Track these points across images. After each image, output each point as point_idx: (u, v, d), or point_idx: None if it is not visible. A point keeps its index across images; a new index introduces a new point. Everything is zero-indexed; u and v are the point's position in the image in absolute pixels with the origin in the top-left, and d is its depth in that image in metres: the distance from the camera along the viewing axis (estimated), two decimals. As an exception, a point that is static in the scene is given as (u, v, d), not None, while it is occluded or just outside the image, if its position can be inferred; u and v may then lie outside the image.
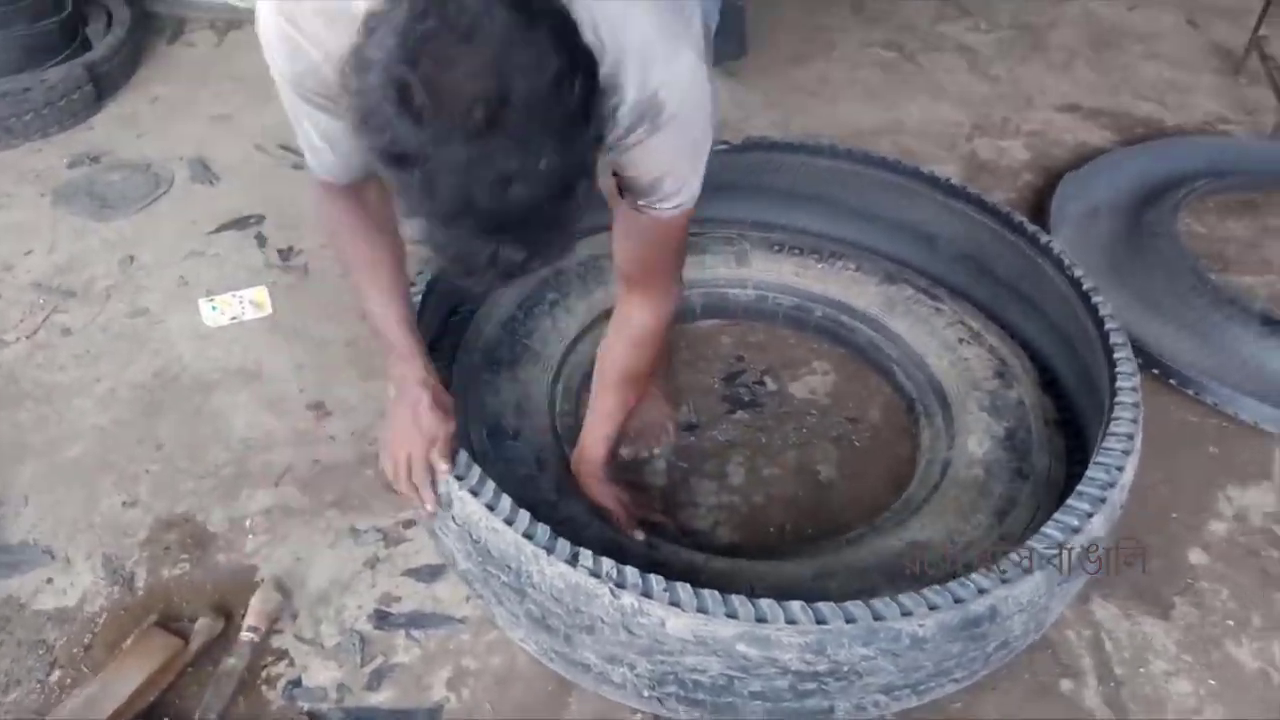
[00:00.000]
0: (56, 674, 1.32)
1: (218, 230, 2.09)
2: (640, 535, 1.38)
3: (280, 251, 2.03)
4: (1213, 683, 1.36)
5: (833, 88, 2.66)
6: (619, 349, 1.38)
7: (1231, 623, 1.43)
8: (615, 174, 1.13)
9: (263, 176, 2.24)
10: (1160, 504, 1.59)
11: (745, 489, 1.60)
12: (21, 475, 1.58)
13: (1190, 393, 1.75)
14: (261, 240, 2.06)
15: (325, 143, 1.10)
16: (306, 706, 1.30)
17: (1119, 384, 1.35)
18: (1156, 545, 1.52)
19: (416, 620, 1.40)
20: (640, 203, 1.15)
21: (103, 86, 2.42)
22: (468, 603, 1.41)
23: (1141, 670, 1.37)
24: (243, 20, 2.74)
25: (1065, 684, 1.35)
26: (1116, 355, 1.39)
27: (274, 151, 2.32)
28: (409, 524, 1.52)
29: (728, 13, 2.58)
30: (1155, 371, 1.77)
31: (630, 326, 1.34)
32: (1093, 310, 1.48)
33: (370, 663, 1.35)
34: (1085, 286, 1.51)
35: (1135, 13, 3.07)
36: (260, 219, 2.11)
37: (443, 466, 1.20)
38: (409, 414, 1.22)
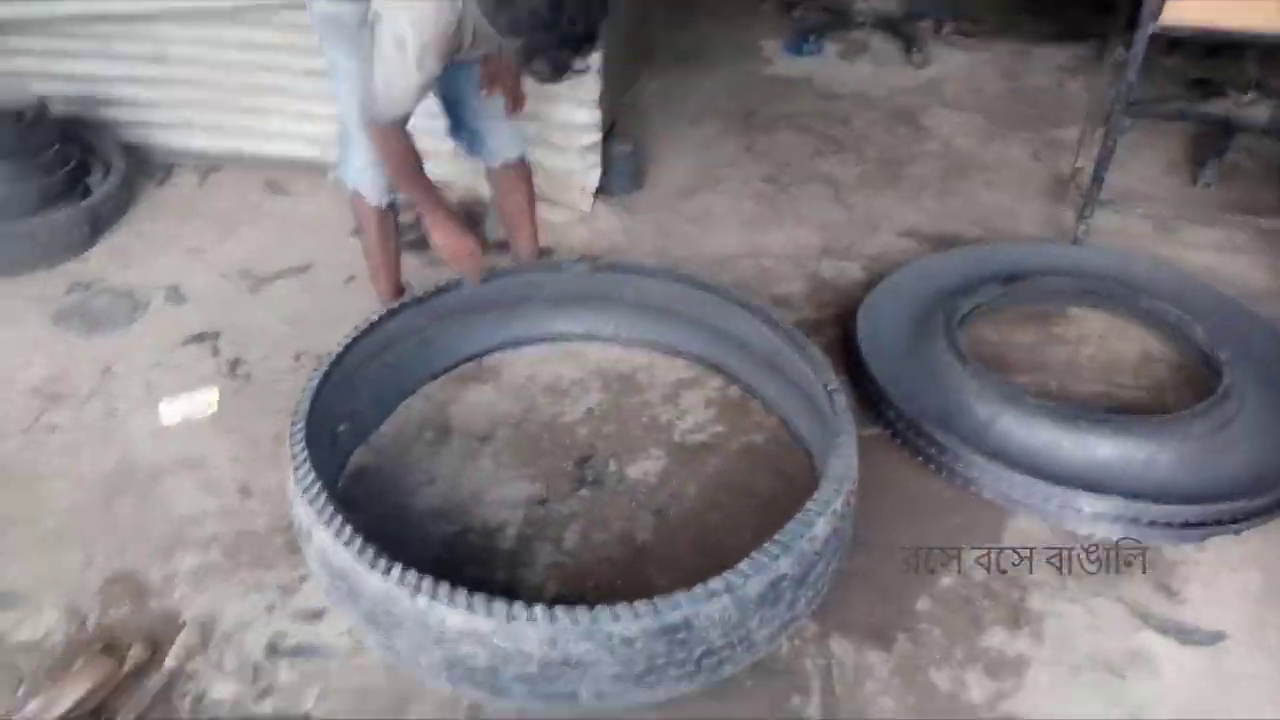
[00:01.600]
0: (23, 688, 1.74)
1: (181, 345, 2.57)
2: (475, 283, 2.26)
3: (230, 362, 2.51)
4: (910, 700, 1.74)
5: (713, 217, 3.15)
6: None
7: (937, 654, 1.82)
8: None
9: (223, 301, 2.73)
10: (904, 560, 1.99)
11: (575, 551, 2.02)
12: (7, 541, 2.02)
13: (943, 475, 2.16)
14: (216, 351, 2.54)
15: (419, 90, 1.94)
16: (210, 715, 1.71)
17: (830, 469, 1.78)
18: (893, 594, 1.92)
19: (298, 651, 1.81)
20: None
21: (98, 225, 2.95)
22: (339, 637, 1.82)
23: (857, 689, 1.76)
24: (221, 165, 3.29)
25: (795, 698, 1.74)
26: (839, 441, 1.83)
27: (235, 279, 2.81)
28: (303, 578, 1.94)
29: (626, 154, 3.12)
30: (920, 459, 2.20)
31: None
32: (833, 402, 1.92)
33: (259, 682, 1.76)
34: (829, 387, 1.95)
35: (988, 147, 3.56)
36: (217, 335, 2.59)
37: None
38: (454, 226, 2.18)
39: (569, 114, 2.86)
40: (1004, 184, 3.33)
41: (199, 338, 2.59)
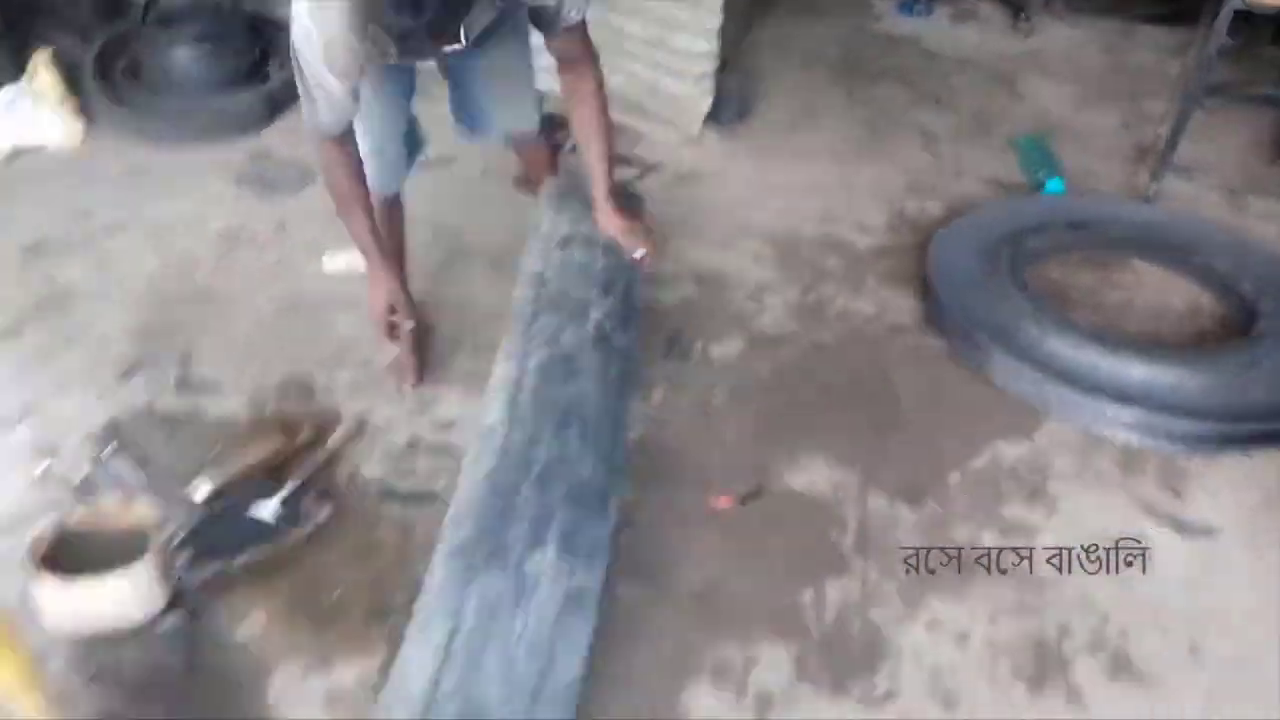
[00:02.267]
0: (217, 449, 2.19)
1: (342, 211, 3.01)
2: (639, 255, 2.20)
3: (382, 228, 2.94)
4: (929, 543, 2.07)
5: (809, 152, 3.44)
6: (588, 107, 2.13)
7: (960, 515, 2.14)
8: (533, 19, 1.99)
9: (377, 178, 3.16)
10: (944, 445, 2.30)
11: (659, 404, 2.39)
12: (207, 344, 2.49)
13: (991, 384, 2.46)
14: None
15: (336, 108, 1.84)
16: (360, 484, 2.14)
17: None
18: (929, 468, 2.24)
19: (432, 449, 2.23)
20: (555, 26, 1.96)
21: (275, 107, 3.40)
22: (465, 442, 2.23)
23: (887, 531, 2.09)
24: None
25: (833, 532, 2.09)
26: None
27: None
28: (438, 397, 2.36)
29: (736, 87, 3.42)
30: (973, 367, 2.49)
31: (586, 90, 2.11)
32: None
33: (401, 466, 2.19)
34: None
35: (1079, 114, 3.76)
36: (372, 206, 3.02)
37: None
38: (383, 300, 2.16)
39: (689, 43, 3.19)
40: (1089, 147, 3.53)
41: (357, 206, 3.02)
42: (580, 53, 2.10)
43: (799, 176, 3.30)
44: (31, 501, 2.05)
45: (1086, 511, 2.16)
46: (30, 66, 3.19)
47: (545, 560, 1.55)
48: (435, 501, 2.10)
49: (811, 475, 2.22)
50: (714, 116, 3.44)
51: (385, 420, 2.30)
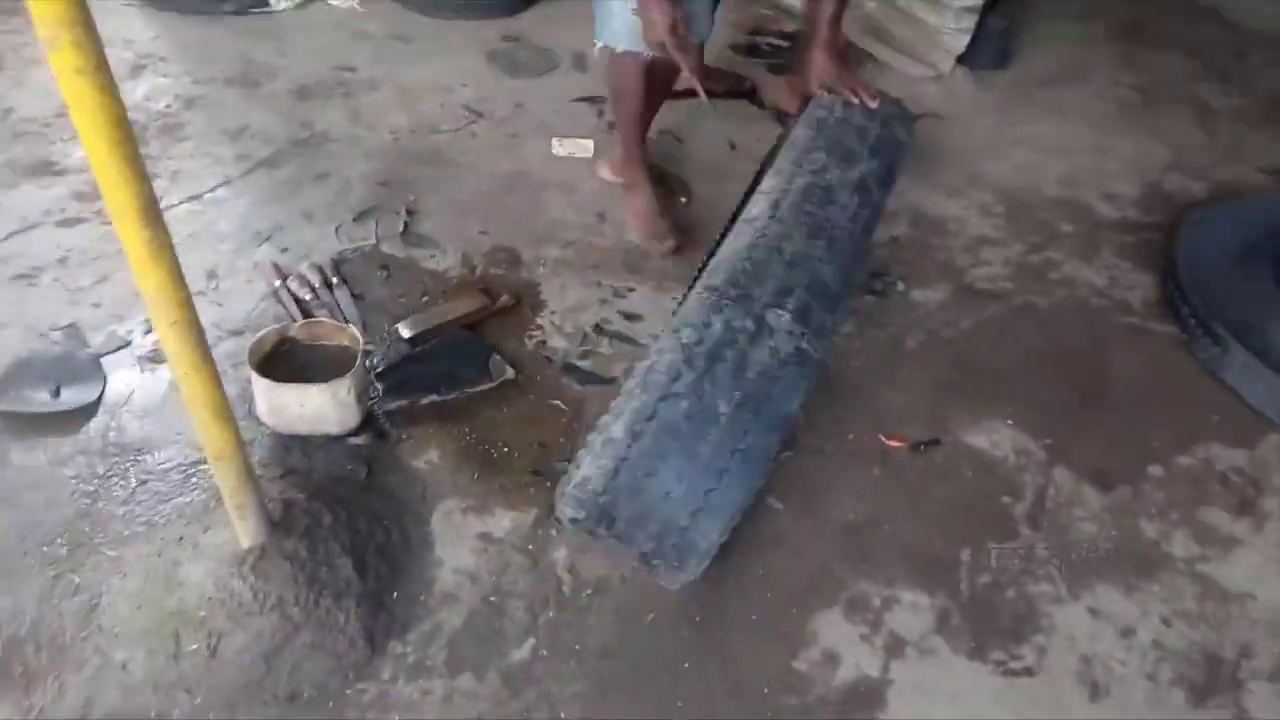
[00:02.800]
0: (425, 297, 2.35)
1: (576, 100, 3.09)
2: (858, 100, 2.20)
3: (608, 123, 2.99)
4: (1113, 533, 1.93)
5: (1065, 111, 3.19)
6: None
7: (1153, 510, 1.98)
8: None
9: (614, 74, 3.22)
10: (1154, 436, 2.12)
11: (848, 335, 2.33)
12: (432, 201, 2.65)
13: (1220, 380, 2.23)
14: (600, 113, 3.03)
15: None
16: (545, 354, 2.24)
17: None
18: (1131, 455, 2.08)
19: (617, 335, 2.29)
20: None
21: (534, -6, 3.52)
22: (647, 336, 2.28)
23: (1065, 510, 1.97)
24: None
25: (1005, 498, 1.98)
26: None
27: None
28: (630, 289, 2.41)
29: (999, 30, 3.22)
30: (1203, 359, 2.27)
31: None
32: None
33: (584, 346, 2.26)
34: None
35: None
36: (604, 100, 3.08)
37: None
38: (666, 18, 2.08)
39: (957, -28, 3.01)
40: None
41: (590, 99, 3.09)
42: None
43: (1049, 134, 3.07)
44: (263, 311, 2.28)
45: (1301, 536, 1.94)
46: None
47: (782, 319, 1.74)
48: (611, 384, 2.17)
49: (995, 437, 2.11)
50: (968, 58, 3.24)
51: (577, 301, 2.38)
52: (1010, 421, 2.14)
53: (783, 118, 2.98)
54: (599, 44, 2.39)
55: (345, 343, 2.04)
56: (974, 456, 2.07)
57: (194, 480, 1.90)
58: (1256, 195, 2.72)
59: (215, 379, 1.37)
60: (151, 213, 1.15)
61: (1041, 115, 3.16)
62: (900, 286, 2.49)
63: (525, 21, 3.47)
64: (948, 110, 3.13)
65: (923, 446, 2.07)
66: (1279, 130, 3.15)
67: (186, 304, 1.26)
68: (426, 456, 1.99)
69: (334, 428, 1.97)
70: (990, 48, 3.28)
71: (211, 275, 2.38)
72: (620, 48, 2.33)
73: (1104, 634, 1.77)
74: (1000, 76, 3.31)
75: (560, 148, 2.87)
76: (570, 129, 2.95)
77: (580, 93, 3.13)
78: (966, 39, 3.15)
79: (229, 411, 1.42)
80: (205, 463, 1.65)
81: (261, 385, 1.92)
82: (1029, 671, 1.71)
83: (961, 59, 3.21)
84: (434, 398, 2.09)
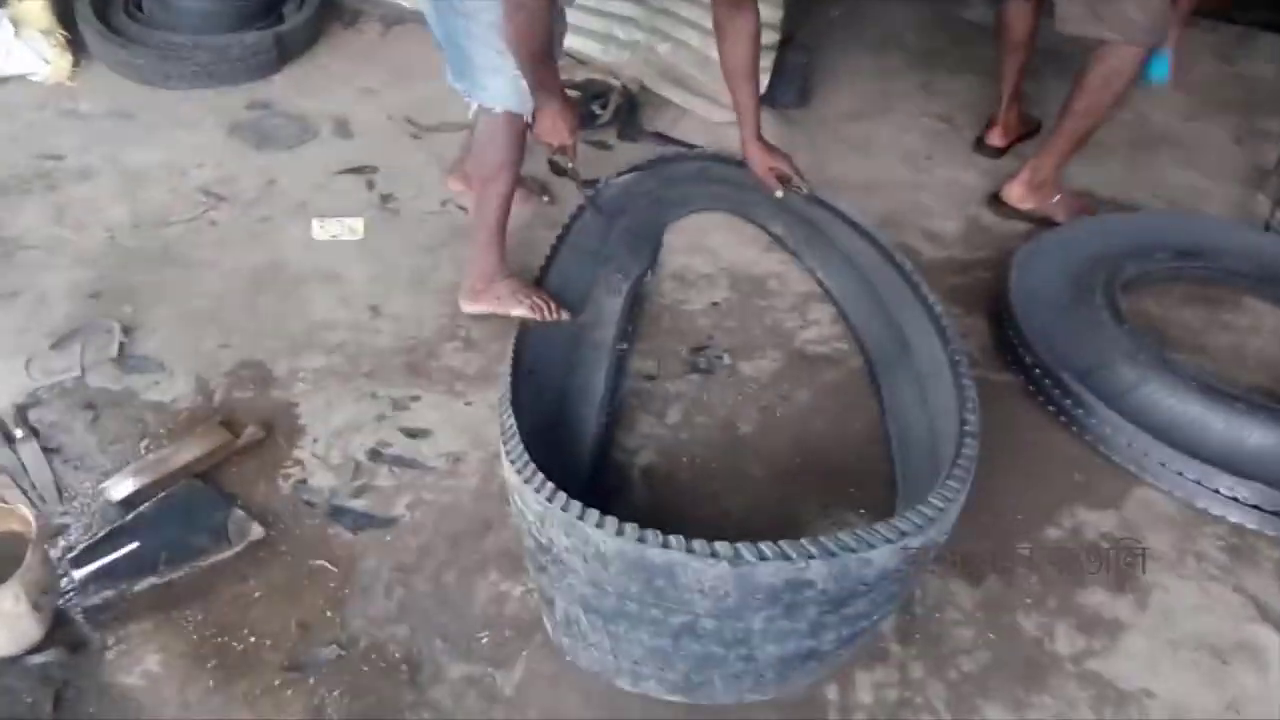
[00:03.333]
0: (146, 441, 1.86)
1: (340, 173, 2.67)
2: (779, 193, 2.39)
3: (383, 196, 2.59)
4: (990, 635, 1.67)
5: (874, 144, 3.03)
6: (742, 48, 2.21)
7: (1029, 600, 1.74)
8: None
9: (385, 140, 2.81)
10: (1015, 506, 1.90)
11: (675, 426, 2.01)
12: (157, 314, 2.16)
13: (1072, 429, 2.05)
14: (370, 185, 2.62)
15: None
16: (305, 497, 1.80)
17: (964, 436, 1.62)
18: (995, 535, 1.84)
19: (398, 461, 1.88)
20: None
21: (285, 53, 3.07)
22: (439, 458, 1.88)
23: (937, 614, 1.70)
24: (405, 19, 3.36)
25: (869, 609, 1.69)
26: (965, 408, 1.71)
27: (400, 123, 2.89)
28: (414, 398, 2.01)
29: (799, 66, 3.03)
30: (1051, 409, 2.09)
31: (744, 33, 2.18)
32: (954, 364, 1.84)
33: (357, 480, 1.84)
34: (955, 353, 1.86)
35: (1186, 125, 3.30)
36: (374, 169, 2.68)
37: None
38: (556, 112, 1.94)
39: (750, 9, 2.79)
40: (1197, 163, 3.08)
41: (357, 169, 2.68)
42: None
43: (861, 172, 2.89)
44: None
45: (1186, 610, 1.74)
46: (16, -11, 2.89)
47: None
48: (393, 528, 1.76)
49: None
50: (770, 97, 3.03)
51: (347, 421, 1.95)
52: (862, 510, 1.86)
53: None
54: (474, 104, 2.07)
55: (14, 527, 1.54)
56: (828, 561, 1.77)
57: None
58: (1076, 223, 2.61)
59: None
60: None
61: (850, 152, 2.99)
62: (726, 360, 2.19)
63: (275, 86, 3.02)
64: (755, 155, 2.90)
65: (770, 558, 1.76)
66: (1081, 152, 3.08)
67: None
68: (142, 667, 1.51)
69: (6, 648, 1.46)
70: (791, 85, 3.09)
71: None
72: (506, 109, 2.01)
73: (1001, 771, 1.49)
74: (804, 113, 3.13)
75: (322, 230, 2.44)
76: (335, 207, 2.53)
77: (345, 162, 2.71)
78: (766, 77, 2.94)
79: None
80: None
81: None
82: (923, 840, 1.41)
83: (763, 98, 3.00)
84: (152, 581, 1.61)
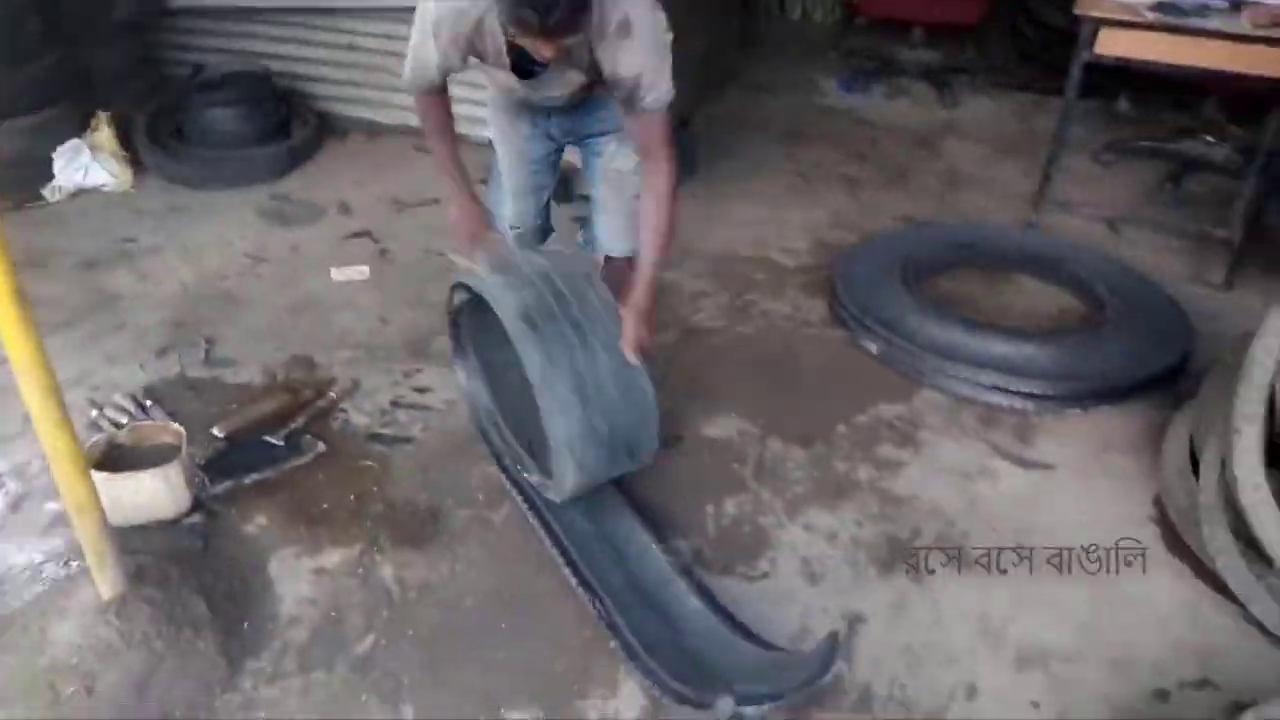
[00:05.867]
0: (233, 405, 2.69)
1: (347, 238, 3.58)
2: (633, 360, 2.11)
3: (381, 250, 3.49)
4: (815, 473, 2.52)
5: (749, 196, 4.00)
6: (649, 203, 2.14)
7: (841, 454, 2.59)
8: (608, 84, 2.03)
9: (378, 214, 3.74)
10: (836, 405, 2.77)
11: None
12: (227, 332, 3.01)
13: (872, 354, 2.95)
14: (374, 241, 3.54)
15: (437, 69, 2.10)
16: (350, 430, 2.62)
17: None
18: (823, 420, 2.71)
19: (412, 405, 2.72)
20: (634, 105, 2.02)
21: (295, 159, 4.02)
22: (440, 404, 2.72)
23: (780, 465, 2.55)
24: (385, 131, 4.34)
25: (734, 465, 2.54)
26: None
27: (388, 202, 3.82)
28: (418, 370, 2.86)
29: (686, 144, 4.00)
30: (854, 339, 2.99)
31: (652, 186, 2.14)
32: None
33: (384, 417, 2.67)
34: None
35: (986, 169, 4.33)
36: (371, 233, 3.59)
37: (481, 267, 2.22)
38: (465, 217, 2.31)
39: (642, 101, 3.79)
40: (991, 194, 4.09)
41: (359, 234, 3.60)
42: (654, 144, 2.12)
43: (738, 215, 3.85)
44: (84, 442, 2.53)
45: (946, 453, 2.61)
46: (93, 123, 3.82)
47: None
48: (412, 442, 2.58)
49: (724, 425, 2.69)
50: (667, 167, 4.01)
51: (372, 384, 2.80)
52: (733, 414, 2.73)
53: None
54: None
55: (168, 439, 2.35)
56: (710, 442, 2.63)
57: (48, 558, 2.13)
58: (885, 235, 3.58)
59: (74, 437, 1.69)
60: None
61: (731, 203, 3.95)
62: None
63: (290, 183, 3.96)
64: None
65: (670, 441, 2.61)
66: (902, 192, 4.11)
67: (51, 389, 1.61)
68: (256, 521, 2.31)
69: (168, 512, 2.25)
70: (685, 159, 4.07)
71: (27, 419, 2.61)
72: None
73: (815, 542, 2.32)
74: (695, 181, 4.09)
75: (339, 275, 3.33)
76: (346, 260, 3.42)
77: (350, 230, 3.62)
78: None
79: (86, 466, 1.74)
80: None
81: (97, 480, 2.18)
82: (765, 575, 2.23)
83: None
84: (255, 477, 2.42)
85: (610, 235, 2.61)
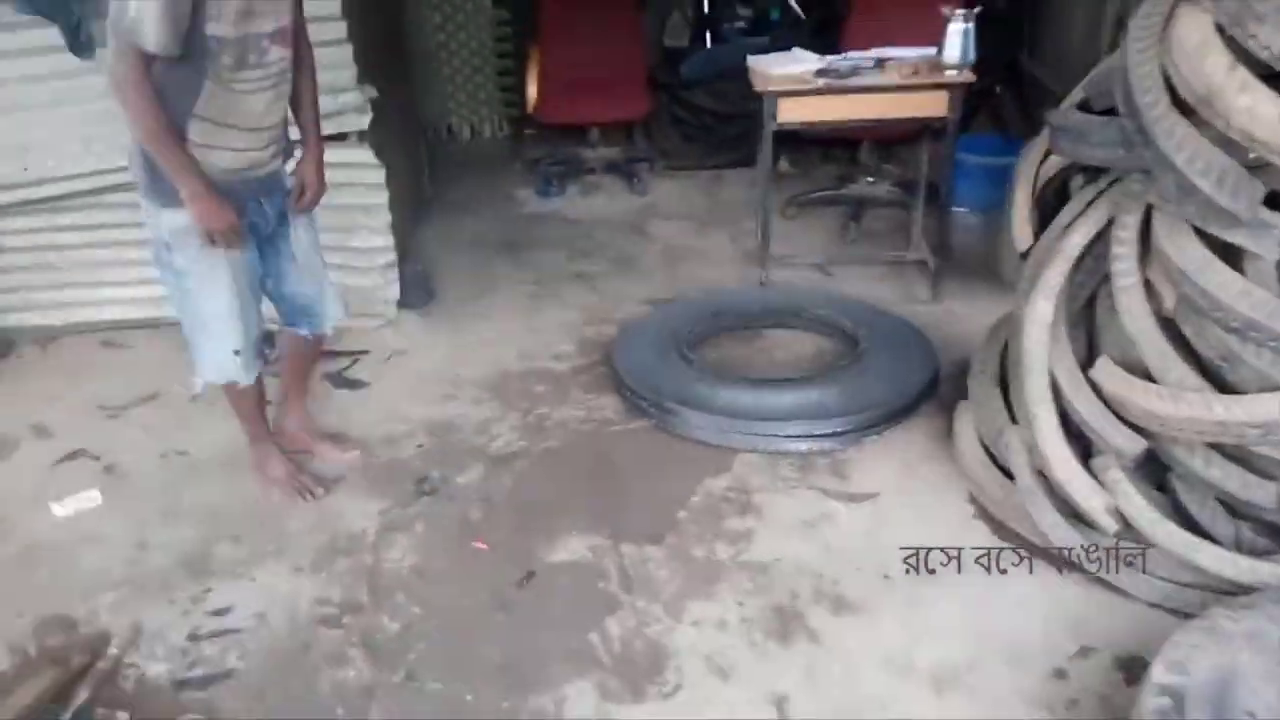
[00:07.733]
0: (-17, 702, 2.13)
1: (59, 462, 3.02)
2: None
3: (105, 467, 2.98)
4: (677, 565, 2.48)
5: (495, 313, 3.93)
6: (307, 83, 2.46)
7: (693, 539, 2.58)
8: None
9: (86, 428, 3.19)
10: (668, 495, 2.76)
11: (423, 534, 2.64)
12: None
13: (680, 434, 2.99)
14: (94, 460, 3.01)
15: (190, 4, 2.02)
16: (151, 688, 2.17)
17: None
18: (662, 514, 2.68)
19: (215, 634, 2.32)
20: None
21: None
22: (247, 618, 2.34)
23: (643, 568, 2.47)
24: (60, 334, 3.75)
25: (600, 583, 2.43)
26: None
27: (93, 411, 3.29)
28: (207, 591, 2.45)
29: (417, 272, 3.87)
30: (668, 432, 3.02)
31: (307, 72, 2.46)
32: None
33: (187, 658, 2.25)
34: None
35: (697, 240, 4.63)
36: (86, 451, 3.06)
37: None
38: (217, 206, 2.23)
39: (367, 240, 3.62)
40: (712, 261, 4.36)
41: (72, 455, 3.05)
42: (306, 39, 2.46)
43: (491, 331, 3.77)
44: None
45: (784, 509, 2.69)
46: None
47: None
48: (233, 675, 2.20)
49: (571, 548, 2.57)
50: (404, 303, 3.85)
51: (158, 624, 2.35)
52: (574, 532, 2.62)
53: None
54: (200, 381, 2.62)
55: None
56: (564, 568, 2.50)
57: None
58: (640, 321, 3.68)
59: None
60: None
61: (480, 321, 3.85)
62: (442, 479, 2.88)
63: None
64: (409, 344, 3.68)
65: (524, 581, 2.44)
66: (636, 276, 4.25)
67: None
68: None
69: None
70: (419, 290, 3.93)
71: None
72: (220, 381, 2.60)
73: (710, 635, 2.27)
74: (435, 306, 3.98)
75: (63, 509, 2.79)
76: (66, 489, 2.88)
77: (59, 454, 3.07)
78: (397, 286, 3.76)
79: None
80: None
81: None
82: (679, 687, 2.13)
83: (400, 304, 3.82)
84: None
85: (334, 303, 2.78)
